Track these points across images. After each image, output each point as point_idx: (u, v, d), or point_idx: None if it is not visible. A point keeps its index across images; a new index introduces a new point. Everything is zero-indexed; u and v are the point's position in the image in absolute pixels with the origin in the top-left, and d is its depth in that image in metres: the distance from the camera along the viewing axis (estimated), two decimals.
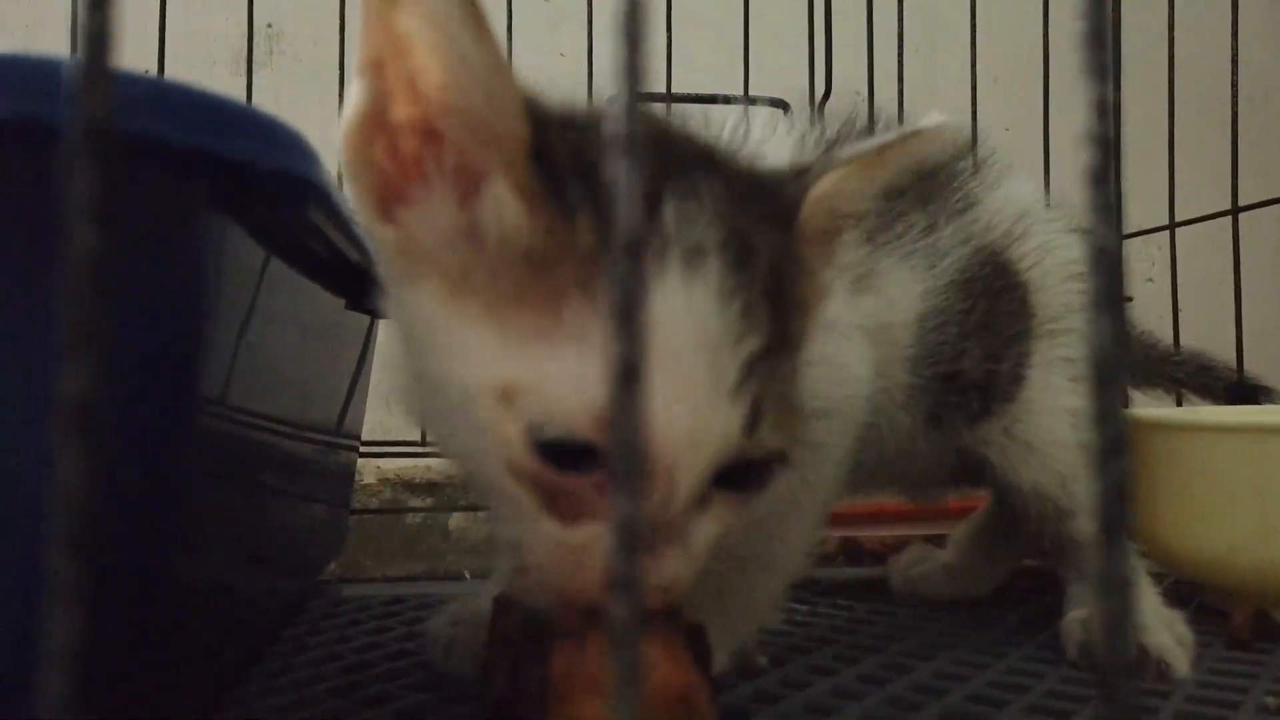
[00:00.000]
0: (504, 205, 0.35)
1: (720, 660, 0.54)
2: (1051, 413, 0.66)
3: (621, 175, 0.17)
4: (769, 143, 0.57)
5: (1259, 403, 0.86)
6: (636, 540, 0.16)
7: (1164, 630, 0.60)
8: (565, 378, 0.33)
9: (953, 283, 0.64)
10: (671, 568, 0.36)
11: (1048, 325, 0.67)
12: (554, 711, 0.37)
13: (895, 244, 0.62)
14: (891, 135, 0.42)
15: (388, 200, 0.37)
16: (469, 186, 0.36)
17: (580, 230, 0.34)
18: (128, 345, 0.35)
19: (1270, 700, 0.53)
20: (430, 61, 0.34)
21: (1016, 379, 0.65)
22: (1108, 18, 0.19)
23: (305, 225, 0.43)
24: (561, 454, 0.34)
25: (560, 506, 0.35)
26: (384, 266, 0.40)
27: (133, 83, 0.30)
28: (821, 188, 0.41)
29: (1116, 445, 0.18)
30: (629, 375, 0.17)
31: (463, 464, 0.39)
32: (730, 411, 0.35)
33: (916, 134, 0.41)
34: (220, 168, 0.32)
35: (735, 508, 0.38)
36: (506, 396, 0.34)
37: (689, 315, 0.34)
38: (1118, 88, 1.05)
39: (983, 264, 0.65)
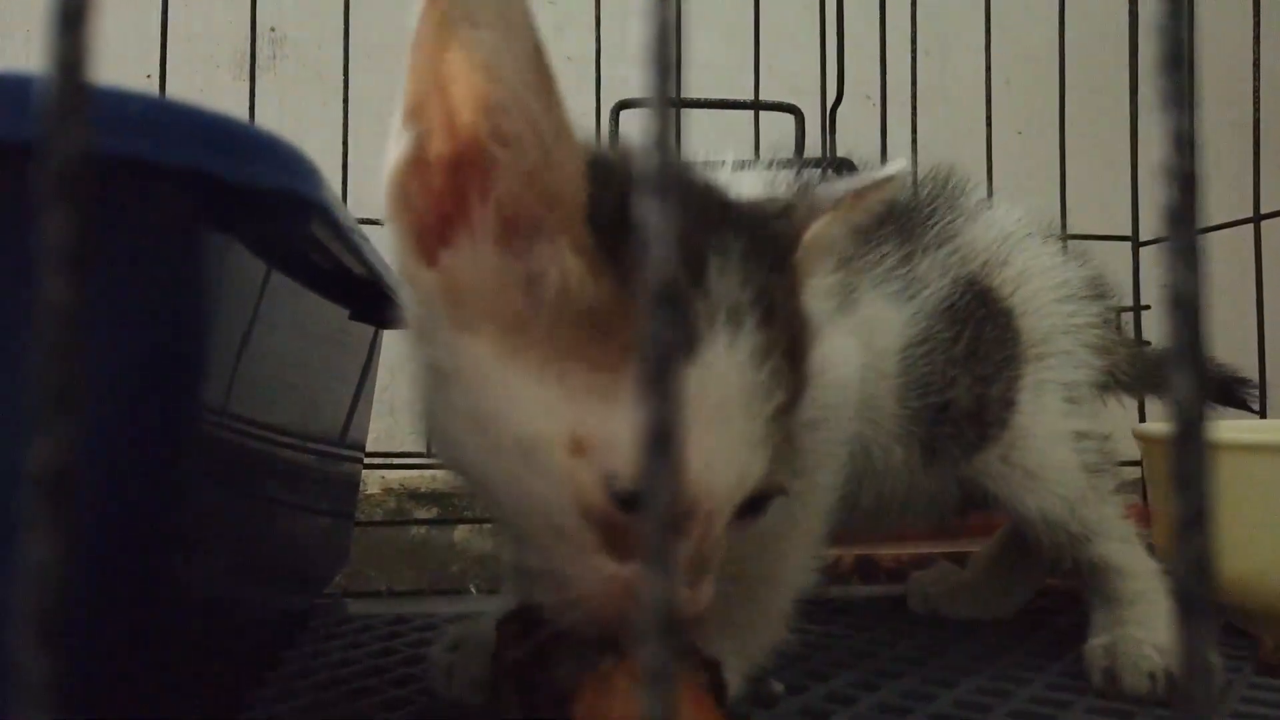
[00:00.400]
0: (565, 263, 0.36)
1: (734, 685, 0.52)
2: (1048, 437, 0.64)
3: (653, 218, 0.15)
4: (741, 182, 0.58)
5: (1239, 395, 0.84)
6: (677, 627, 0.15)
7: None
8: (630, 438, 0.35)
9: (936, 312, 0.63)
10: (706, 596, 0.39)
11: (1035, 349, 0.66)
12: None
13: (871, 275, 0.62)
14: (866, 180, 0.46)
15: (428, 242, 0.38)
16: (519, 233, 0.37)
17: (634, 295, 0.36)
18: (129, 365, 0.34)
19: None
20: (479, 107, 0.36)
21: (1008, 404, 0.64)
22: (1186, 35, 0.17)
23: (307, 240, 0.41)
24: (626, 500, 0.36)
25: (617, 545, 0.38)
26: (426, 311, 0.40)
27: (128, 101, 0.29)
28: (812, 232, 0.44)
29: (1199, 515, 0.16)
30: (664, 440, 0.15)
31: (506, 501, 0.40)
32: (758, 460, 0.39)
33: (890, 179, 0.46)
34: (219, 188, 0.31)
35: (738, 534, 0.41)
36: (578, 447, 0.36)
37: (734, 374, 0.37)
38: (1134, 106, 1.03)
39: (964, 292, 0.64)
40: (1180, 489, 0.16)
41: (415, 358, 0.42)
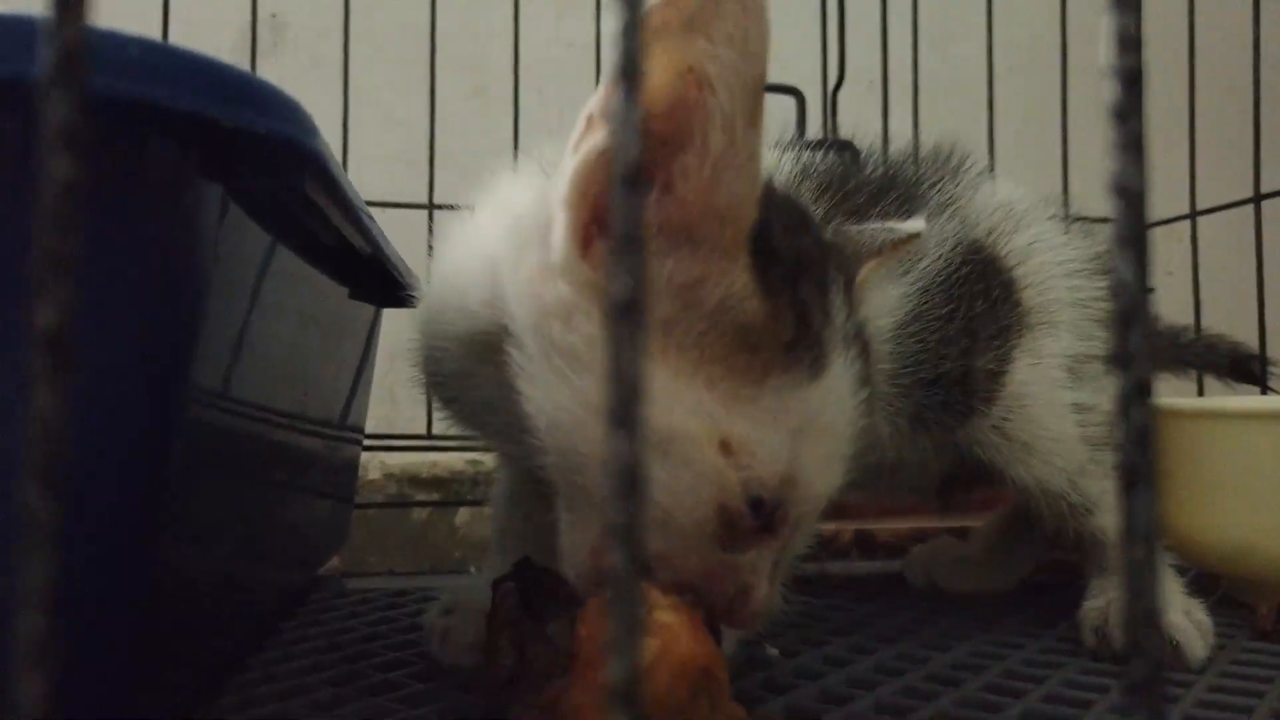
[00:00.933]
0: (733, 279, 0.39)
1: (730, 646, 0.53)
2: (1046, 408, 0.64)
3: (620, 105, 0.16)
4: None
5: (1253, 370, 0.84)
6: (639, 487, 0.16)
7: (1180, 614, 0.59)
8: (768, 447, 0.39)
9: (932, 286, 0.62)
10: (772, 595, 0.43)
11: (1036, 320, 0.65)
12: (580, 675, 0.36)
13: None
14: (896, 231, 0.50)
15: (589, 231, 0.39)
16: (684, 240, 0.39)
17: (784, 315, 0.40)
18: (119, 321, 0.34)
19: None
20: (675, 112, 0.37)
21: (997, 375, 0.63)
22: None
23: (302, 199, 0.41)
24: (756, 504, 0.40)
25: (731, 537, 0.41)
26: (574, 299, 0.40)
27: (128, 45, 0.30)
28: (865, 272, 0.48)
29: (1141, 389, 0.17)
30: (630, 309, 0.16)
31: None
32: (841, 476, 0.43)
33: (917, 234, 0.51)
34: (214, 133, 0.32)
35: None
36: (726, 448, 0.39)
37: (844, 395, 0.42)
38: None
39: (964, 263, 0.63)
40: (1122, 367, 0.17)
41: (538, 344, 0.41)
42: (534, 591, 0.46)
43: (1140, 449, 0.17)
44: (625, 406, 0.16)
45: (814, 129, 1.02)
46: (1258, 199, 0.95)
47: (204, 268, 0.37)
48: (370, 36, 1.05)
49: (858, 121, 1.06)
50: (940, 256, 0.63)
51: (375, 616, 0.67)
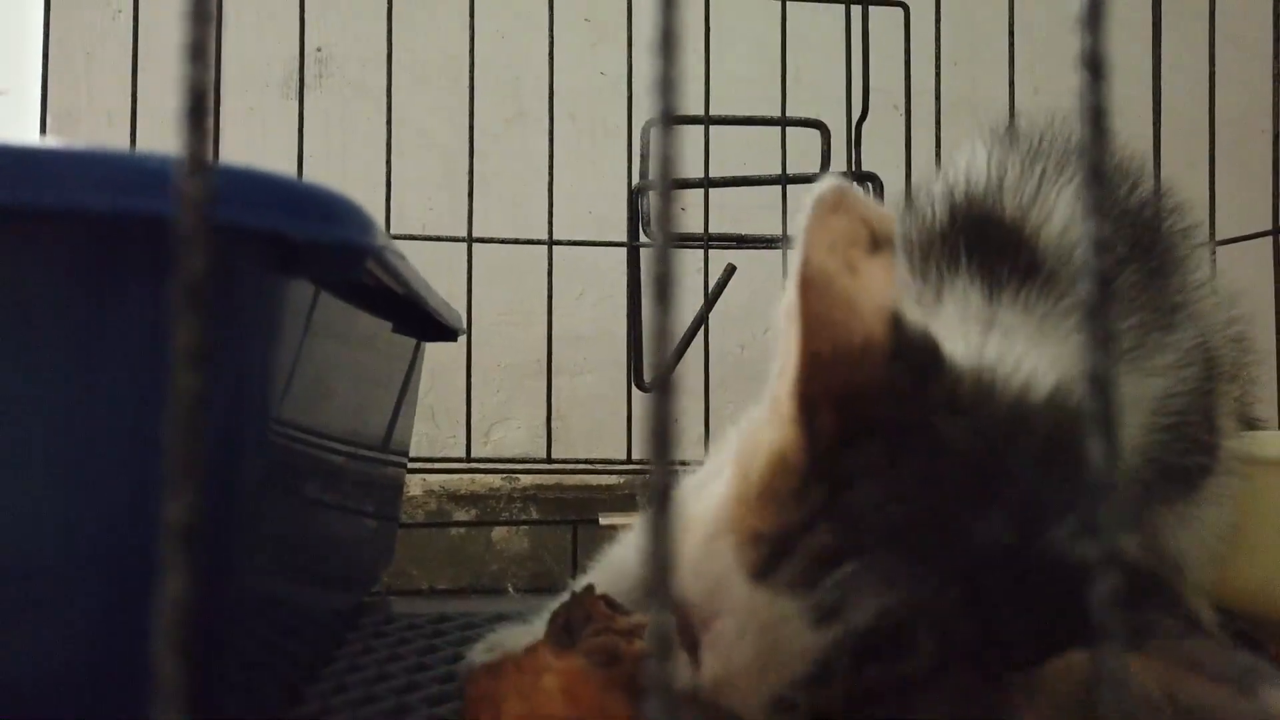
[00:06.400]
0: None
1: None
2: None
3: (656, 223, 0.19)
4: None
5: None
6: (670, 646, 0.18)
7: None
8: None
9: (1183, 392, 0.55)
10: None
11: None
12: None
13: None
14: None
15: None
16: None
17: None
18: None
19: None
20: None
21: None
22: (1106, 153, 0.20)
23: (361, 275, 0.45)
24: None
25: None
26: None
27: (211, 174, 0.33)
28: None
29: (1110, 557, 0.19)
30: (664, 498, 0.19)
31: None
32: None
33: None
34: (288, 244, 0.35)
35: None
36: None
37: None
38: (1158, 114, 1.04)
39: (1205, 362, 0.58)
40: (1091, 535, 0.20)
41: None
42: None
43: (1109, 611, 0.19)
44: (661, 581, 0.18)
45: (838, 162, 1.04)
46: (1276, 232, 0.96)
47: (279, 333, 0.40)
48: (411, 67, 1.08)
49: (879, 147, 1.08)
50: (1187, 352, 0.55)
51: (421, 644, 0.71)
